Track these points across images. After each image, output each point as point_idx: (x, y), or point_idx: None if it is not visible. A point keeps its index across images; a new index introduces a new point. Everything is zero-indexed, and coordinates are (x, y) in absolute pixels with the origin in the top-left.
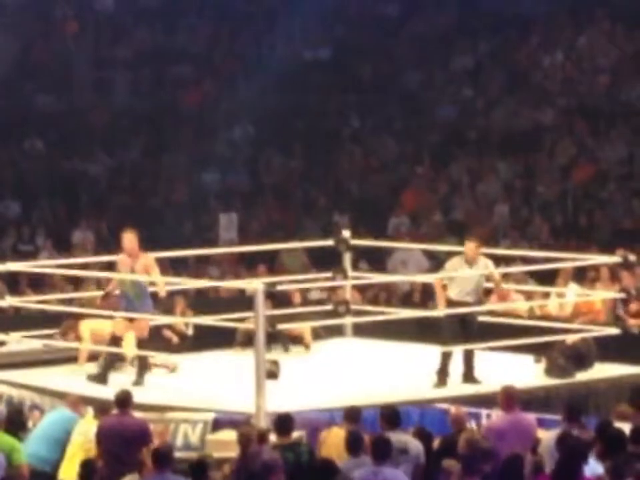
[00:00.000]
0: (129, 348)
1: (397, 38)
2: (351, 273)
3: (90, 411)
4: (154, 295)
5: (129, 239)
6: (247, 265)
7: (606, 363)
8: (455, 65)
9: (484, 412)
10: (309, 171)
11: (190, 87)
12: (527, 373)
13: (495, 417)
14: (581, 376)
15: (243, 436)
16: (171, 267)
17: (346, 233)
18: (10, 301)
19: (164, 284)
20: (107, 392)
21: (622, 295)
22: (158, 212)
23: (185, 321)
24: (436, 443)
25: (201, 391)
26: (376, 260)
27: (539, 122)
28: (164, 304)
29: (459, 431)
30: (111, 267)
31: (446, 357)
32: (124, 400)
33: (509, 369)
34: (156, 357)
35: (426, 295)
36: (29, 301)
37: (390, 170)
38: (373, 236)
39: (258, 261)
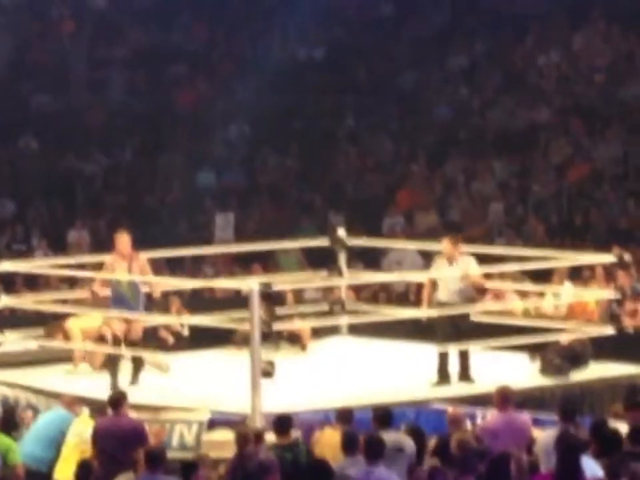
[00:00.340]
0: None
1: (393, 38)
2: (346, 272)
3: (85, 411)
4: (148, 296)
5: (124, 240)
6: (242, 264)
7: (601, 362)
8: (451, 65)
9: (479, 412)
10: (305, 171)
11: (186, 87)
12: (522, 372)
13: (489, 416)
14: (576, 375)
15: (241, 436)
16: (166, 267)
17: (341, 233)
18: (5, 301)
19: (158, 285)
20: (102, 392)
21: (617, 295)
22: (154, 211)
23: (180, 321)
24: (431, 442)
25: (196, 391)
26: (371, 259)
27: (534, 121)
28: (159, 304)
29: (457, 431)
30: (101, 267)
31: (442, 358)
32: (118, 400)
33: (504, 369)
34: (148, 357)
35: (421, 295)
36: (24, 301)
37: (386, 169)
38: (368, 235)
39: (253, 260)
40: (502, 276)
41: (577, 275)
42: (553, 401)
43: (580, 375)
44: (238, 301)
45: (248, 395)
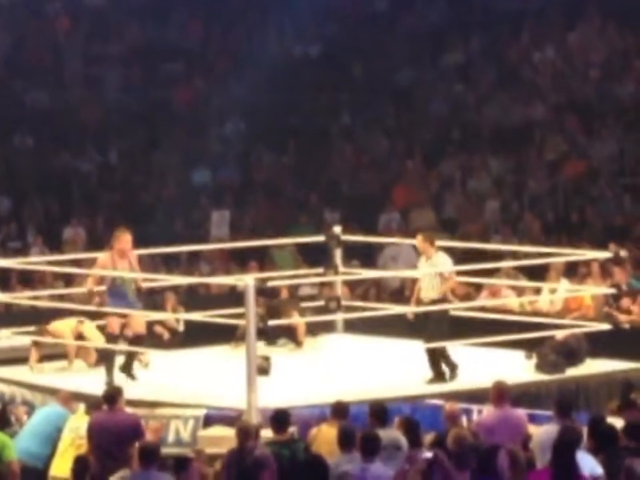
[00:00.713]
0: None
1: (388, 34)
2: (342, 269)
3: (81, 407)
4: (138, 290)
5: (127, 238)
6: (238, 261)
7: (597, 358)
8: (446, 61)
9: (475, 407)
10: (301, 168)
11: (181, 84)
12: (518, 368)
13: (485, 412)
14: (572, 371)
15: (242, 430)
16: (162, 264)
17: (337, 230)
18: (0, 297)
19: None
20: (98, 388)
21: (613, 291)
22: (149, 208)
23: (175, 317)
24: (428, 438)
25: (192, 387)
26: (367, 256)
27: (529, 118)
28: (153, 300)
29: (453, 427)
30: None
31: (430, 355)
32: (113, 396)
33: (499, 365)
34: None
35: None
36: (20, 297)
37: (381, 166)
38: (364, 232)
39: (249, 257)
40: (497, 272)
41: (573, 271)
42: (549, 397)
43: (576, 371)
44: (233, 297)
45: (244, 391)
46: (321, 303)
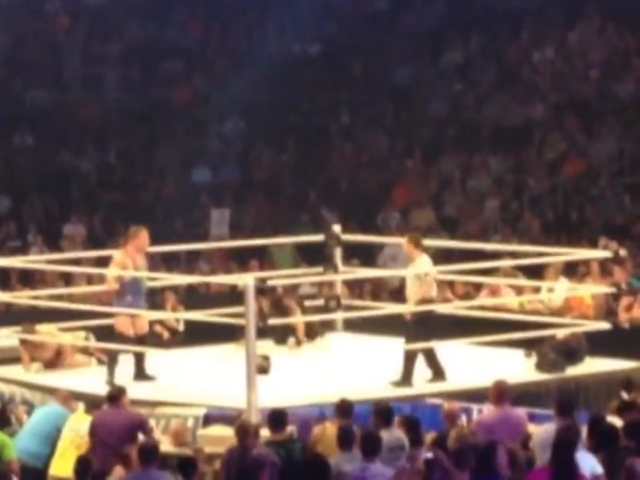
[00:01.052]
0: None
1: (388, 33)
2: (341, 268)
3: (81, 407)
4: None
5: (146, 235)
6: (238, 260)
7: (597, 357)
8: (446, 60)
9: (475, 407)
10: (300, 166)
11: (181, 83)
12: (518, 367)
13: (485, 411)
14: (572, 370)
15: (241, 428)
16: (162, 263)
17: (336, 228)
18: (0, 297)
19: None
20: (98, 387)
21: (613, 290)
22: (149, 207)
23: (175, 317)
24: (428, 437)
25: (191, 387)
26: (366, 255)
27: (529, 117)
28: (152, 299)
29: (453, 427)
30: (102, 262)
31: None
32: (116, 396)
33: (499, 364)
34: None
35: None
36: (20, 297)
37: (380, 165)
38: (363, 231)
39: (249, 256)
40: (496, 271)
41: (573, 270)
42: (549, 396)
43: (575, 370)
44: (233, 296)
45: (243, 390)
46: (321, 302)
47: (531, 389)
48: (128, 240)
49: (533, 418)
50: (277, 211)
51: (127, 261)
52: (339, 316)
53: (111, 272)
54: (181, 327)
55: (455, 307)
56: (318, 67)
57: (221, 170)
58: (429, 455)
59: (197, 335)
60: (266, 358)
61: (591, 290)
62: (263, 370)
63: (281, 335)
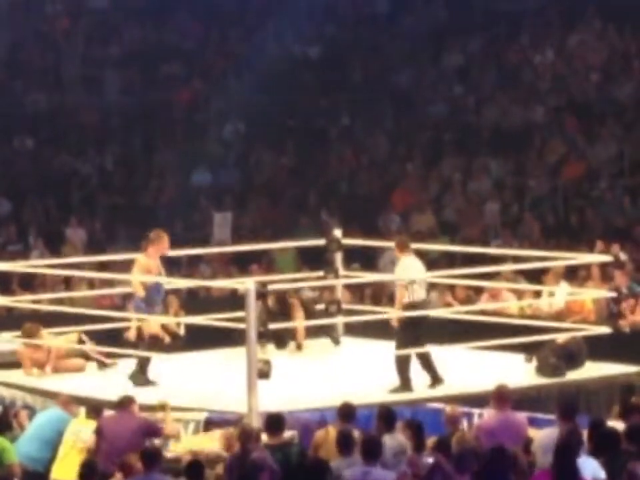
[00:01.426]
0: None
1: (387, 36)
2: (342, 272)
3: (82, 411)
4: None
5: (167, 240)
6: (238, 263)
7: (597, 362)
8: (446, 63)
9: (476, 411)
10: (300, 169)
11: (180, 86)
12: (518, 372)
13: (486, 415)
14: (572, 375)
15: (243, 433)
16: (162, 266)
17: (337, 232)
18: (1, 301)
19: None
20: (100, 392)
21: (613, 294)
22: (149, 210)
23: (177, 321)
24: (429, 441)
25: (192, 391)
26: (367, 259)
27: (529, 120)
28: None
29: (454, 431)
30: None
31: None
32: (126, 402)
33: (500, 368)
34: (94, 349)
35: None
36: (21, 301)
37: (381, 168)
38: (364, 234)
39: (250, 260)
40: (497, 276)
41: (573, 274)
42: (549, 400)
43: (576, 374)
44: (234, 300)
45: (244, 394)
46: (322, 306)
47: (531, 393)
48: (150, 244)
49: (533, 422)
50: (277, 214)
51: (152, 264)
52: (339, 320)
53: (136, 277)
54: (182, 332)
55: (456, 312)
56: (318, 69)
57: (221, 173)
58: (430, 459)
59: (198, 339)
60: (267, 362)
61: (592, 294)
62: (264, 374)
63: (281, 335)
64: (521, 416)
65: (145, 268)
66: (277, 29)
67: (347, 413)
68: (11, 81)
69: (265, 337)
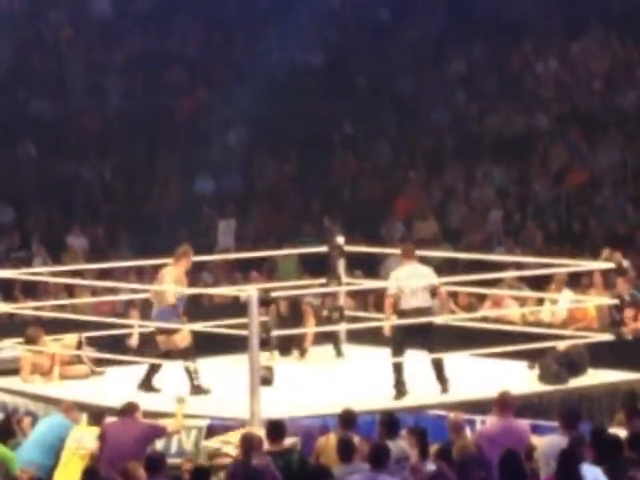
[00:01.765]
0: None
1: (390, 43)
2: (344, 279)
3: (84, 418)
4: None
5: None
6: (241, 270)
7: (600, 369)
8: (448, 71)
9: (478, 418)
10: (303, 176)
11: (183, 93)
12: (521, 379)
13: (488, 423)
14: (575, 382)
15: (246, 440)
16: None
17: (340, 239)
18: (4, 307)
19: None
20: (101, 399)
21: (615, 301)
22: (152, 218)
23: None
24: (432, 448)
25: (195, 398)
26: (369, 266)
27: (532, 128)
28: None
29: (457, 438)
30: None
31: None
32: (130, 409)
33: (502, 375)
34: (87, 356)
35: None
36: (23, 307)
37: (383, 175)
38: (366, 241)
39: (252, 267)
40: (500, 283)
41: (576, 282)
42: (551, 408)
43: (578, 382)
44: (237, 307)
45: (247, 401)
46: (325, 313)
47: (533, 400)
48: (179, 258)
49: (535, 429)
50: (280, 221)
51: (183, 277)
52: (342, 327)
53: (170, 287)
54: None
55: (458, 319)
56: (320, 77)
57: (224, 180)
58: (433, 466)
59: (200, 346)
60: (269, 369)
61: (595, 302)
62: (267, 381)
63: (286, 341)
64: (524, 423)
65: (177, 280)
66: (279, 37)
67: (347, 419)
68: (14, 87)
69: (267, 344)
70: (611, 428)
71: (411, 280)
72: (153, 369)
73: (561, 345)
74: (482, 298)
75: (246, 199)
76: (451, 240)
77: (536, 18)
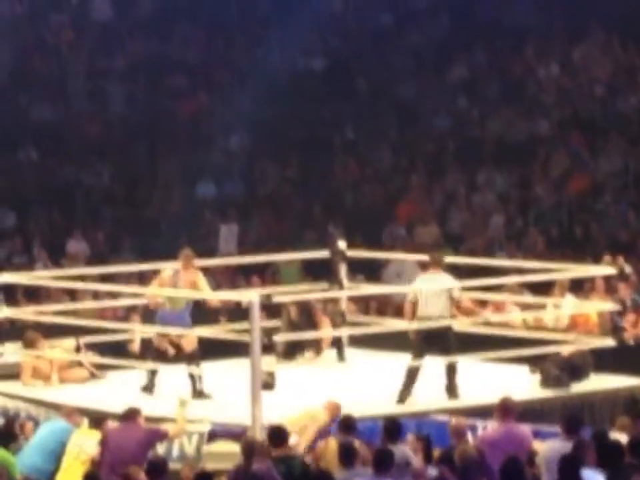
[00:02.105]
0: None
1: (392, 48)
2: (346, 284)
3: (85, 422)
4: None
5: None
6: (243, 275)
7: (601, 374)
8: (450, 76)
9: (480, 424)
10: (304, 181)
11: (184, 97)
12: (522, 384)
13: (490, 428)
14: (576, 387)
15: (247, 445)
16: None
17: (342, 244)
18: (5, 312)
19: None
20: (102, 403)
21: (617, 307)
22: (153, 222)
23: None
24: (435, 453)
25: (196, 402)
26: (371, 271)
27: (534, 133)
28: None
29: (459, 443)
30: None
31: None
32: (128, 414)
33: (504, 380)
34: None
35: None
36: (25, 312)
37: (385, 180)
38: (368, 246)
39: (254, 271)
40: (501, 288)
41: (578, 287)
42: (553, 413)
43: (580, 387)
44: (239, 312)
45: (248, 406)
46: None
47: (535, 405)
48: (189, 262)
49: (537, 435)
50: (282, 226)
51: (180, 279)
52: (344, 332)
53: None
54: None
55: (460, 324)
56: (322, 81)
57: (226, 185)
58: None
59: (202, 350)
60: (271, 374)
61: (597, 307)
62: (268, 386)
63: (290, 348)
64: (525, 428)
65: (191, 283)
66: (281, 41)
67: (347, 424)
68: (15, 92)
69: (269, 349)
70: (612, 433)
71: (428, 288)
72: (155, 372)
73: (564, 350)
74: (484, 303)
75: (247, 203)
76: (452, 245)
77: (537, 23)
